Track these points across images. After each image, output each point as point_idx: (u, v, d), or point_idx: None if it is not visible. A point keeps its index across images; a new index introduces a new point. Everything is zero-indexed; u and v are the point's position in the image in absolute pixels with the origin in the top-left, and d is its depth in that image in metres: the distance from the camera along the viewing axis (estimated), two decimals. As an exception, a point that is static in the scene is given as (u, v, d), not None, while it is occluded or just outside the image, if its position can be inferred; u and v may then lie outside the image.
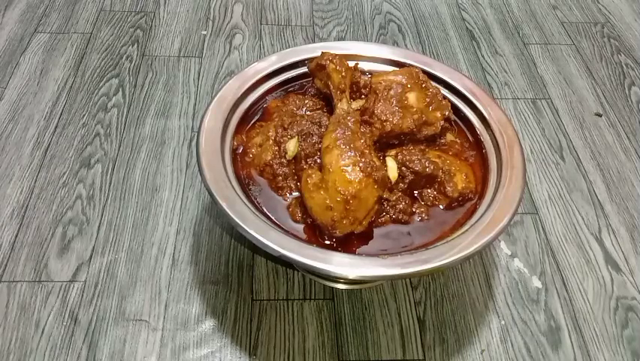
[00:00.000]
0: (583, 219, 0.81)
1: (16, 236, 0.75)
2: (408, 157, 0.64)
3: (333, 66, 0.67)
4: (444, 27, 1.14)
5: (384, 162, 0.64)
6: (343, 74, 0.67)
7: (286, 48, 1.06)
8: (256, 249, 0.74)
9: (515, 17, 1.18)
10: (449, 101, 0.69)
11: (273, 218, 0.61)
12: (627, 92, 1.02)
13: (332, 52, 0.69)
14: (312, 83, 0.72)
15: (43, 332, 0.66)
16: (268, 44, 1.07)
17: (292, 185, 0.64)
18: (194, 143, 0.87)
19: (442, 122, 0.67)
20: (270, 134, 0.67)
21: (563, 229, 0.80)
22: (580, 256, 0.77)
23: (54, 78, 0.97)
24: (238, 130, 0.69)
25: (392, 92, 0.65)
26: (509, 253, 0.77)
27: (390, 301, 0.71)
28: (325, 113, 0.69)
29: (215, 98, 0.69)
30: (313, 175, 0.59)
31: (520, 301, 0.72)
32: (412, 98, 0.65)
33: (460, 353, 0.67)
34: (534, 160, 0.89)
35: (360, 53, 0.77)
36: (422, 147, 0.66)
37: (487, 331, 0.69)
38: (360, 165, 0.57)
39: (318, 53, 0.70)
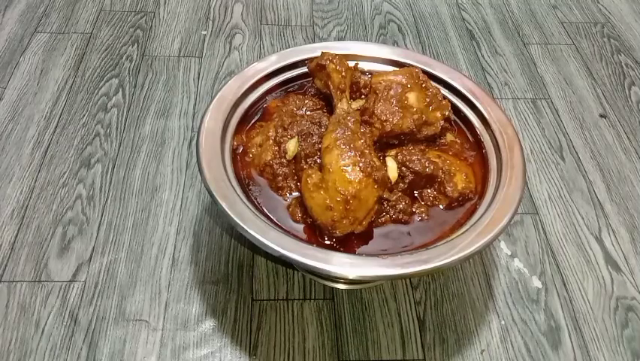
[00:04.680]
0: (583, 219, 0.81)
1: (16, 236, 0.75)
2: (408, 157, 0.64)
3: (333, 66, 0.67)
4: (444, 27, 1.14)
5: (384, 162, 0.64)
6: (343, 74, 0.67)
7: (286, 48, 1.06)
8: (256, 249, 0.74)
9: (515, 17, 1.18)
10: (449, 101, 0.69)
11: (273, 218, 0.61)
12: (627, 92, 1.02)
13: (332, 52, 0.69)
14: (312, 83, 0.72)
15: (43, 332, 0.66)
16: (268, 44, 1.07)
17: (292, 185, 0.64)
18: (194, 143, 0.87)
19: (442, 122, 0.67)
20: (270, 134, 0.67)
21: (563, 229, 0.80)
22: (580, 256, 0.77)
23: (54, 78, 0.97)
24: (238, 130, 0.69)
25: (392, 92, 0.65)
26: (509, 253, 0.77)
27: (390, 301, 0.71)
28: (325, 113, 0.69)
29: (215, 98, 0.69)
30: (313, 175, 0.59)
31: (520, 301, 0.72)
32: (412, 98, 0.65)
33: (460, 353, 0.67)
34: (534, 160, 0.89)
35: (360, 53, 0.77)
36: (422, 147, 0.66)
37: (487, 331, 0.69)
38: (360, 165, 0.57)
39: (318, 53, 0.70)
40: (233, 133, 0.68)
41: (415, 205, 0.64)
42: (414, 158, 0.64)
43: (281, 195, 0.64)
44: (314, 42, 1.09)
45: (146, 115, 0.92)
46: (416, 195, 0.65)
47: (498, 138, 0.68)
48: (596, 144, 0.92)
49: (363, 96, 0.70)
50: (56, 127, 0.89)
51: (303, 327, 0.68)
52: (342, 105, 0.65)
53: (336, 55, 0.68)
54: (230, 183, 0.60)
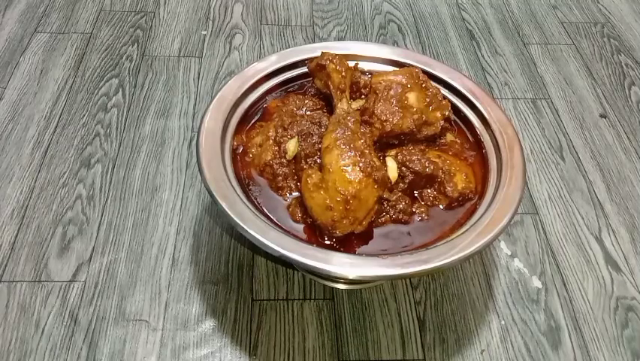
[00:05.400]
0: (583, 219, 0.81)
1: (16, 236, 0.75)
2: (408, 157, 0.64)
3: (333, 66, 0.67)
4: (444, 27, 1.14)
5: (384, 162, 0.64)
6: (343, 74, 0.67)
7: (286, 48, 1.06)
8: (256, 249, 0.74)
9: (515, 17, 1.18)
10: (449, 101, 0.69)
11: (273, 218, 0.61)
12: (627, 92, 1.02)
13: (332, 52, 0.69)
14: (312, 83, 0.72)
15: (43, 332, 0.66)
16: (268, 44, 1.07)
17: (292, 185, 0.64)
18: (194, 143, 0.87)
19: (442, 122, 0.67)
20: (270, 134, 0.67)
21: (563, 228, 0.80)
22: (580, 256, 0.77)
23: (54, 78, 0.97)
24: (238, 130, 0.69)
25: (392, 92, 0.65)
26: (509, 253, 0.77)
27: (390, 301, 0.71)
28: (325, 113, 0.69)
29: (215, 98, 0.69)
30: (313, 175, 0.59)
31: (520, 301, 0.72)
32: (412, 98, 0.65)
33: (460, 353, 0.67)
34: (534, 160, 0.89)
35: (360, 53, 0.77)
36: (422, 147, 0.66)
37: (487, 331, 0.69)
38: (360, 165, 0.57)
39: (318, 53, 0.70)
40: (233, 133, 0.68)
41: (415, 205, 0.64)
42: (414, 158, 0.64)
43: (281, 195, 0.64)
44: (314, 42, 1.09)
45: (146, 115, 0.92)
46: (416, 195, 0.65)
47: (498, 138, 0.68)
48: (596, 144, 0.92)
49: (363, 96, 0.70)
50: (56, 127, 0.89)
51: (303, 327, 0.68)
52: (342, 105, 0.65)
53: (336, 55, 0.68)
54: (230, 183, 0.60)
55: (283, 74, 0.74)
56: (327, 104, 0.71)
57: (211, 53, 1.04)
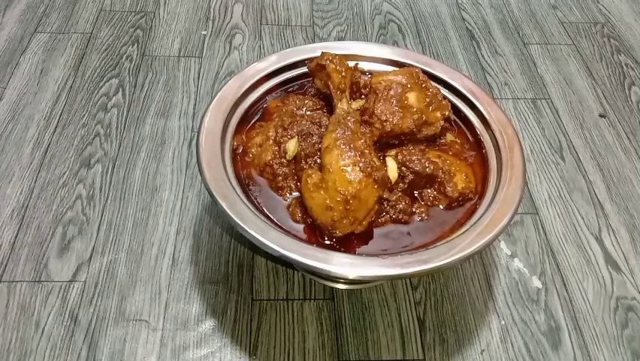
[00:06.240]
0: (583, 219, 0.81)
1: (16, 236, 0.75)
2: (408, 157, 0.64)
3: (333, 66, 0.67)
4: (444, 27, 1.14)
5: (384, 162, 0.64)
6: (343, 74, 0.67)
7: (286, 48, 1.06)
8: (256, 249, 0.74)
9: (515, 17, 1.18)
10: (449, 101, 0.69)
11: (273, 218, 0.61)
12: (627, 92, 1.02)
13: (332, 52, 0.69)
14: (312, 83, 0.72)
15: (43, 332, 0.66)
16: (268, 44, 1.07)
17: (292, 185, 0.64)
18: (194, 143, 0.87)
19: (442, 122, 0.67)
20: (270, 134, 0.67)
21: (563, 228, 0.80)
22: (580, 256, 0.77)
23: (54, 78, 0.97)
24: (238, 130, 0.69)
25: (392, 92, 0.65)
26: (509, 253, 0.77)
27: (390, 301, 0.71)
28: (325, 113, 0.69)
29: (215, 98, 0.69)
30: (313, 175, 0.59)
31: (520, 301, 0.72)
32: (412, 98, 0.65)
33: (460, 353, 0.67)
34: (534, 160, 0.89)
35: (360, 53, 0.77)
36: (422, 147, 0.66)
37: (487, 331, 0.69)
38: (360, 165, 0.57)
39: (318, 53, 0.70)
40: (233, 133, 0.68)
41: (415, 205, 0.64)
42: (414, 158, 0.64)
43: (281, 195, 0.64)
44: (314, 42, 1.09)
45: (146, 115, 0.92)
46: (416, 195, 0.65)
47: (498, 138, 0.68)
48: (596, 144, 0.92)
49: (363, 96, 0.70)
50: (56, 127, 0.89)
51: (303, 327, 0.68)
52: (342, 105, 0.65)
53: (336, 55, 0.68)
54: (230, 183, 0.60)
55: (283, 74, 0.74)
56: (327, 104, 0.71)
57: (211, 53, 1.04)
